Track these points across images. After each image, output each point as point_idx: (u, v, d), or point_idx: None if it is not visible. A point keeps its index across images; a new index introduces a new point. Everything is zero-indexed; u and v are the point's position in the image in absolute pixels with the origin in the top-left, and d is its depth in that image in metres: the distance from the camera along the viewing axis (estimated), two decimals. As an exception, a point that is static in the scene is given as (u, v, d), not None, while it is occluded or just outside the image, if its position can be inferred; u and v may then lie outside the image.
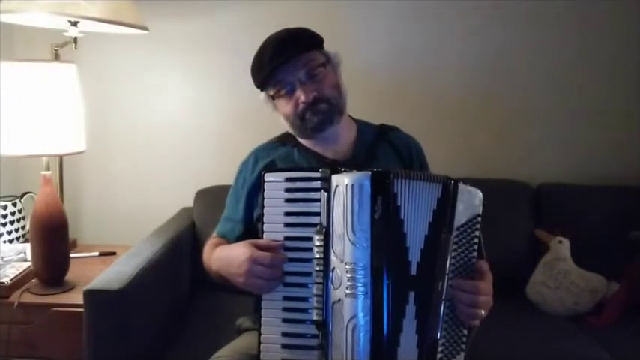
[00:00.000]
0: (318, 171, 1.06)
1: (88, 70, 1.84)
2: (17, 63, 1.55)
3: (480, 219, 1.04)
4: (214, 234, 1.40)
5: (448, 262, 1.01)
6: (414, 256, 1.01)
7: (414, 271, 1.01)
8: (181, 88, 2.13)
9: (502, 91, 2.11)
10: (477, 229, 1.03)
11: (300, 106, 1.22)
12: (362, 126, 1.36)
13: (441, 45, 2.08)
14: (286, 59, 1.19)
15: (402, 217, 1.00)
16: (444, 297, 1.01)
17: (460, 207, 1.02)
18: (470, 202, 1.03)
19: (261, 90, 1.29)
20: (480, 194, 1.04)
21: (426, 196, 1.02)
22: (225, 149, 2.10)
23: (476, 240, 1.04)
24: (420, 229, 1.01)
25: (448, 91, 2.11)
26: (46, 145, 1.54)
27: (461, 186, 1.03)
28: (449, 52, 2.09)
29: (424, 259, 1.01)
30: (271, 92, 1.26)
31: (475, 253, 1.04)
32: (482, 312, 1.03)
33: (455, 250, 1.02)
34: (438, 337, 1.01)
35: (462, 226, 1.02)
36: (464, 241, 1.03)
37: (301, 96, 1.21)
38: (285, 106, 1.25)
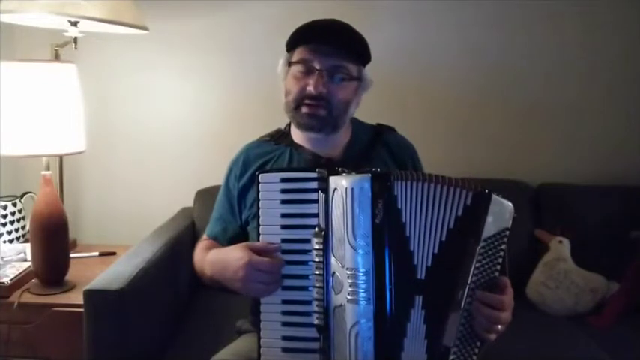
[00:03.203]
0: (314, 171, 1.03)
1: (88, 70, 1.83)
2: (17, 63, 1.55)
3: (508, 232, 0.99)
4: (204, 236, 1.37)
5: (471, 271, 0.98)
6: (422, 260, 0.98)
7: (421, 275, 0.98)
8: (181, 88, 2.13)
9: (501, 90, 2.11)
10: (504, 243, 0.99)
11: (306, 91, 1.16)
12: (357, 125, 1.33)
13: (440, 44, 2.08)
14: (330, 45, 1.16)
15: (404, 220, 0.98)
16: (462, 306, 0.98)
17: (490, 219, 0.97)
18: (501, 214, 0.98)
19: (287, 51, 1.23)
20: (511, 207, 0.99)
21: (444, 201, 0.98)
22: (225, 149, 2.07)
23: (501, 254, 0.99)
24: (430, 234, 0.98)
25: (447, 91, 2.11)
26: (46, 145, 1.54)
27: (494, 197, 0.98)
28: (448, 52, 2.08)
29: (437, 265, 0.98)
30: (294, 58, 1.20)
31: (499, 267, 1.00)
32: (501, 328, 1.00)
33: (479, 261, 0.98)
34: (452, 345, 0.98)
35: (490, 237, 0.98)
36: (489, 253, 0.98)
37: (310, 82, 1.15)
38: (293, 81, 1.19)
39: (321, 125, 1.19)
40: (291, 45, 1.22)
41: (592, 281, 1.80)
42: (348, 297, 0.96)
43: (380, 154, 1.29)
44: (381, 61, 2.08)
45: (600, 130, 2.12)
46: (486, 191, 0.99)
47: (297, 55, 1.20)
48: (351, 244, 0.96)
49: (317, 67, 1.16)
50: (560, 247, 1.84)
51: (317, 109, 1.17)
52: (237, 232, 1.30)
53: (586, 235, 1.86)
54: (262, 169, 1.25)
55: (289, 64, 1.22)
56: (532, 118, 2.12)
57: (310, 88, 1.16)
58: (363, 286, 0.96)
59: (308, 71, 1.17)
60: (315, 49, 1.17)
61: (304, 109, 1.18)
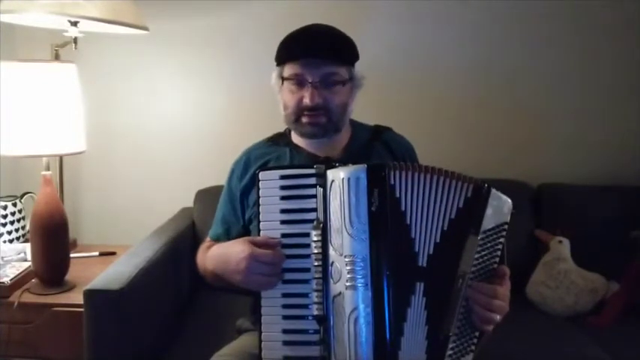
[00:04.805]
0: (312, 167, 1.05)
1: (88, 70, 1.84)
2: (17, 63, 1.56)
3: (506, 227, 1.03)
4: (207, 239, 1.39)
5: (471, 261, 1.00)
6: (424, 247, 1.00)
7: (423, 262, 1.00)
8: (181, 88, 2.13)
9: (501, 90, 2.11)
10: (502, 236, 1.02)
11: (303, 103, 1.19)
12: (356, 126, 1.35)
13: (440, 45, 2.08)
14: (317, 58, 1.18)
15: (403, 208, 1.00)
16: (462, 295, 1.00)
17: (489, 211, 1.01)
18: (499, 208, 1.02)
19: (277, 65, 1.26)
20: (510, 203, 1.03)
21: (446, 192, 1.00)
22: (225, 149, 2.07)
23: (500, 246, 1.03)
24: (432, 222, 1.00)
25: (447, 91, 2.11)
26: (46, 145, 1.54)
27: (493, 191, 1.02)
28: (448, 52, 2.08)
29: (438, 253, 1.00)
30: (285, 74, 1.22)
31: (497, 259, 1.03)
32: (497, 317, 1.01)
33: (478, 252, 1.01)
34: (451, 333, 1.00)
35: (489, 230, 1.01)
36: (488, 245, 1.02)
37: (306, 96, 1.18)
38: (289, 95, 1.22)
39: (324, 131, 1.23)
40: (280, 60, 1.24)
41: (592, 281, 1.80)
42: (347, 284, 0.98)
43: (379, 151, 1.31)
44: (380, 61, 2.11)
45: (600, 130, 2.11)
46: (486, 185, 1.02)
47: (287, 70, 1.22)
48: (348, 232, 0.99)
49: (309, 80, 1.19)
50: (560, 247, 1.84)
51: (317, 118, 1.21)
52: (241, 233, 1.31)
53: (586, 235, 1.86)
54: (263, 167, 1.26)
55: (282, 79, 1.24)
56: (532, 118, 2.12)
57: (307, 101, 1.19)
58: (361, 272, 0.98)
59: (301, 84, 1.20)
60: (304, 63, 1.19)
61: (305, 120, 1.21)
